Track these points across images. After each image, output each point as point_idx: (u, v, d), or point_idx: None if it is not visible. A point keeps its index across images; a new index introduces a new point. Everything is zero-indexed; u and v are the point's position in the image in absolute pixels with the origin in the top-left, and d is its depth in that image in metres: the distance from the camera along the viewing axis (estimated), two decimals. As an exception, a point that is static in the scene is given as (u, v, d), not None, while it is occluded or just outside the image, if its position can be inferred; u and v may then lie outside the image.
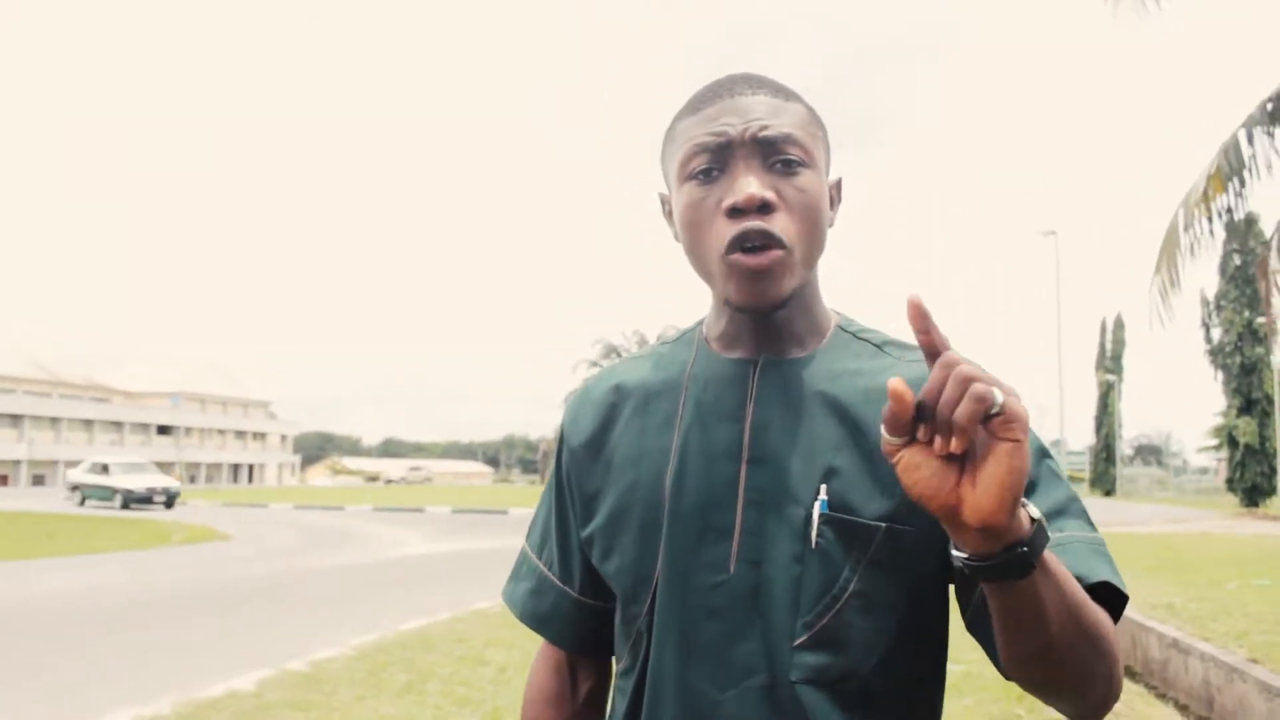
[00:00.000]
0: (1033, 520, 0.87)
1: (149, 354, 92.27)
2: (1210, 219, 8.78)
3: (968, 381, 0.82)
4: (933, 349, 0.85)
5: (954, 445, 0.83)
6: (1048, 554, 0.90)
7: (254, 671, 7.20)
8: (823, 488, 1.08)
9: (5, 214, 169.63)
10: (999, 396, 0.81)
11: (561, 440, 1.29)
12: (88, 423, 72.02)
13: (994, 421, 0.82)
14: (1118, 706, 6.08)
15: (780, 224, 1.07)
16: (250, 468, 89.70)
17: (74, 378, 76.57)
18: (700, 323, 1.25)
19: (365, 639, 8.57)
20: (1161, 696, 7.57)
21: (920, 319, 0.85)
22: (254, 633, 9.24)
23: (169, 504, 32.85)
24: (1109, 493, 56.85)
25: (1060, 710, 1.02)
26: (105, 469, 33.80)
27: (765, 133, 1.08)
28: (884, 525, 1.07)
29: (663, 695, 1.11)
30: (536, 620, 1.32)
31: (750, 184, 1.06)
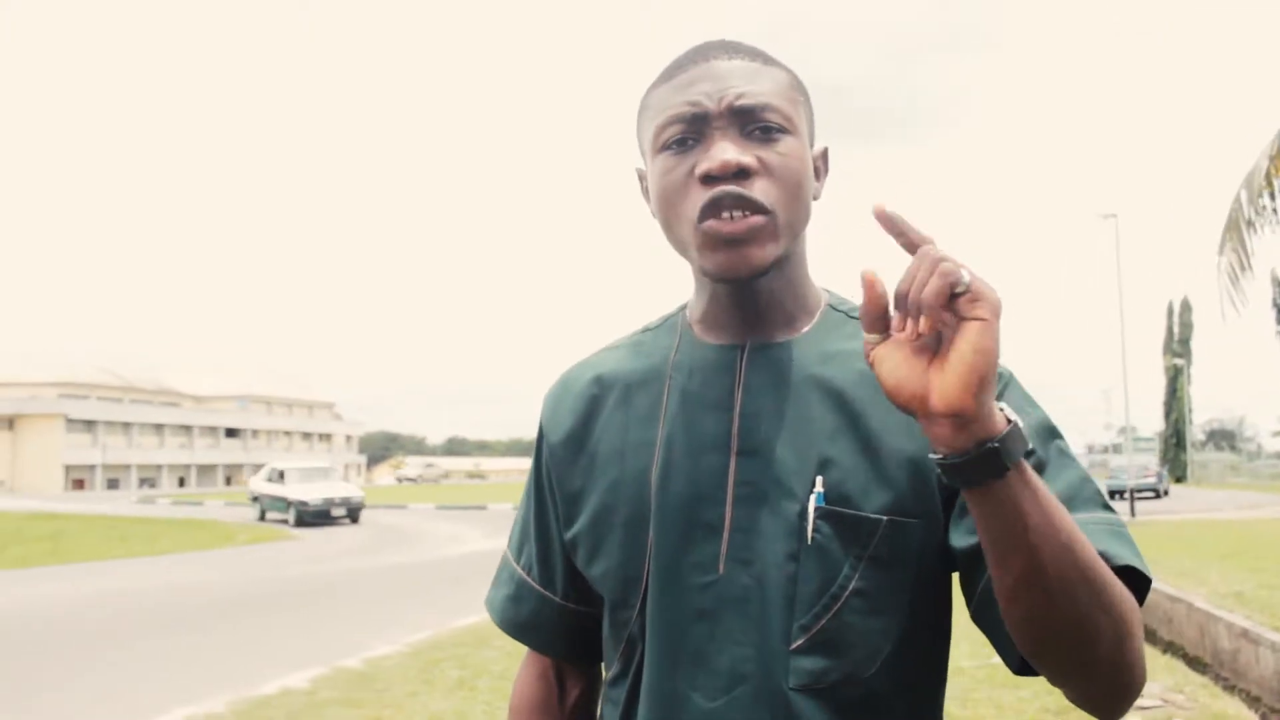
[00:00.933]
0: (1009, 421, 0.84)
1: (215, 359, 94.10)
2: (1274, 197, 8.52)
3: (937, 262, 0.80)
4: (913, 248, 0.84)
5: (922, 325, 0.82)
6: (1030, 471, 0.86)
7: (308, 669, 7.27)
8: (818, 479, 1.01)
9: (72, 226, 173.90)
10: (966, 275, 0.80)
11: (540, 436, 1.20)
12: (158, 427, 73.48)
13: (960, 300, 0.80)
14: (1180, 699, 5.91)
15: (760, 189, 1.00)
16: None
17: (143, 383, 78.26)
18: (683, 306, 1.18)
19: (419, 636, 8.63)
20: (1230, 688, 7.36)
21: (891, 223, 0.84)
22: (311, 631, 9.35)
23: (354, 518, 26.48)
24: (1180, 479, 55.68)
25: (1073, 690, 0.94)
26: (281, 476, 27.66)
27: (742, 101, 1.01)
28: (885, 518, 1.00)
29: (653, 705, 1.05)
30: (516, 628, 1.25)
31: (726, 149, 0.99)
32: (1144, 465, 34.89)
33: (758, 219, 0.99)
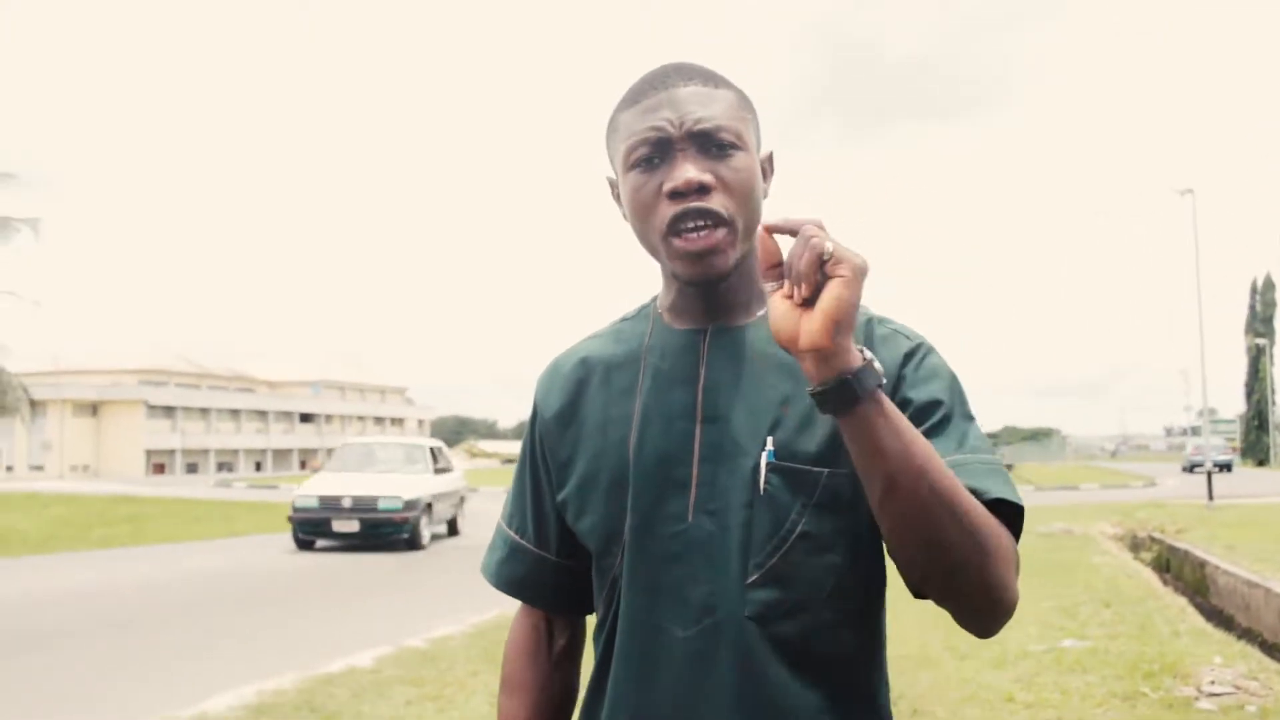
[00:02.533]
0: (865, 360, 1.04)
1: (288, 344, 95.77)
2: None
3: (809, 238, 1.01)
4: (796, 232, 1.03)
5: (803, 290, 1.02)
6: (888, 405, 1.05)
7: (374, 649, 7.40)
8: (769, 439, 1.20)
9: (149, 216, 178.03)
10: (830, 245, 1.00)
11: (534, 414, 1.39)
12: (235, 412, 74.92)
13: (828, 264, 1.01)
14: (1254, 686, 5.76)
15: (718, 202, 1.18)
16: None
17: (220, 370, 79.83)
18: (655, 297, 1.36)
19: (483, 617, 8.73)
20: (1309, 674, 7.16)
21: (777, 229, 1.05)
22: (378, 611, 9.53)
23: (409, 538, 15.33)
24: (1262, 462, 54.29)
25: (952, 609, 1.14)
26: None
27: (700, 125, 1.19)
28: (826, 470, 1.18)
29: (633, 636, 1.23)
30: (512, 585, 1.43)
31: (688, 170, 1.18)
32: (1220, 445, 47.31)
33: (719, 232, 1.19)
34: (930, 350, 1.25)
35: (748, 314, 1.28)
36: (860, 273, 1.00)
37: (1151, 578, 11.40)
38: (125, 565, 13.70)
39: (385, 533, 15.33)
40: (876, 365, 1.04)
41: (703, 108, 1.20)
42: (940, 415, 1.20)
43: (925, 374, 1.22)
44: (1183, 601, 9.74)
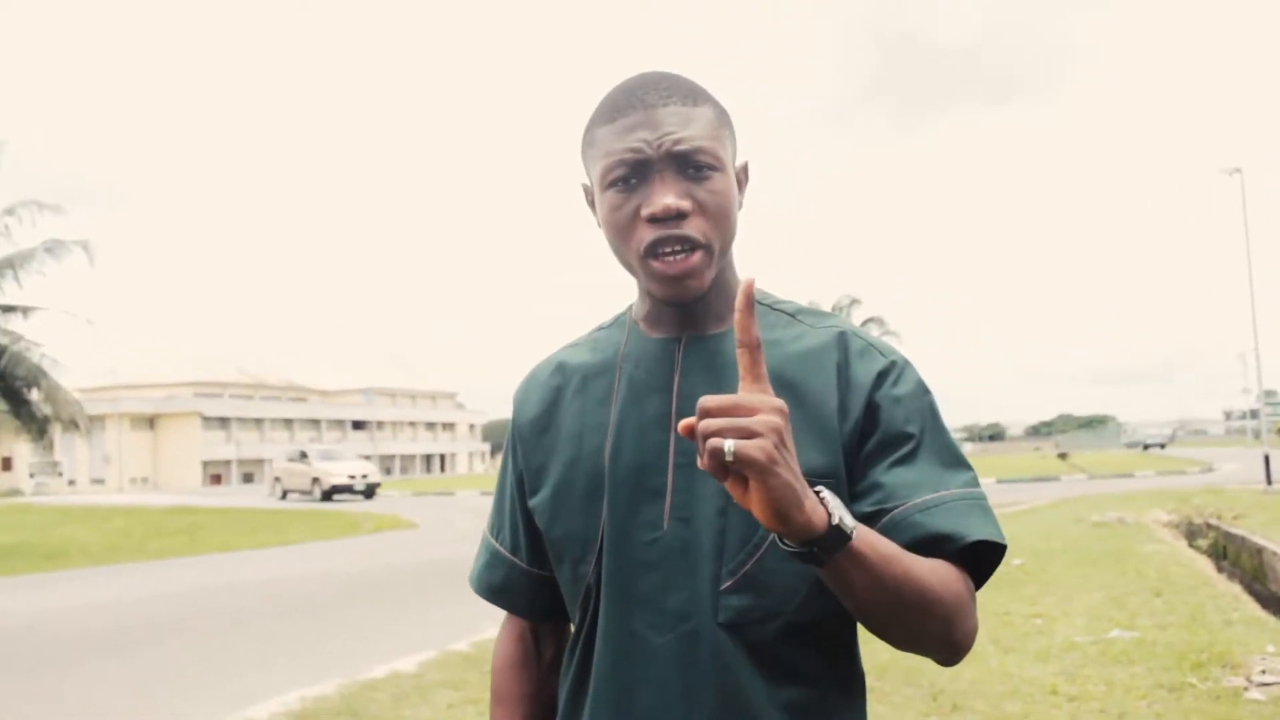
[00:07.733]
0: (830, 523, 0.99)
1: (338, 352, 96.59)
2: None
3: (705, 438, 0.94)
4: (749, 339, 1.00)
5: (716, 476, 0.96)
6: (861, 544, 1.02)
7: (417, 654, 7.46)
8: None
9: (197, 229, 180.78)
10: (729, 446, 0.92)
11: (513, 421, 1.41)
12: (288, 422, 75.88)
13: (733, 465, 0.93)
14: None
15: (695, 226, 1.19)
16: (441, 457, 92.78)
17: (272, 379, 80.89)
18: (630, 306, 1.38)
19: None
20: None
21: (747, 304, 1.00)
22: (423, 616, 9.60)
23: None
24: (1326, 444, 53.05)
25: (910, 651, 1.17)
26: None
27: (678, 147, 1.18)
28: None
29: (610, 644, 1.23)
30: (491, 592, 1.44)
31: (666, 195, 1.17)
32: (1160, 428, 67.35)
33: (695, 256, 1.19)
34: (904, 368, 1.25)
35: (721, 323, 1.28)
36: (768, 463, 0.93)
37: (1206, 565, 11.20)
38: (179, 575, 13.95)
39: None
40: (845, 523, 1.00)
41: (681, 128, 1.19)
42: (912, 445, 1.21)
43: (898, 395, 1.22)
44: (1237, 589, 9.55)
